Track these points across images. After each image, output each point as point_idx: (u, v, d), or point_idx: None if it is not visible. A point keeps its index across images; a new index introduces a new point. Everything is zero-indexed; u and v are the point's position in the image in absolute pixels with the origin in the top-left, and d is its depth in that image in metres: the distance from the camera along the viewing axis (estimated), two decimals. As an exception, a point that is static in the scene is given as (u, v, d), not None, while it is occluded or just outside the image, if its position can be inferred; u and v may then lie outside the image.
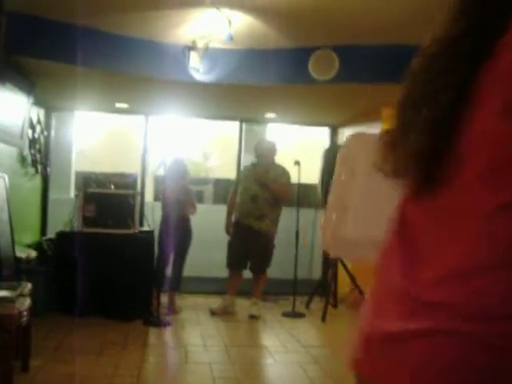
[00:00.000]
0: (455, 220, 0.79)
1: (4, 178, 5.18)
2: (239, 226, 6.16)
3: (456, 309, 0.71)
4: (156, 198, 6.26)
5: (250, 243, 6.06)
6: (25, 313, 3.75)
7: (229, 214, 6.37)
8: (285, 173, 6.21)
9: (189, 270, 6.38)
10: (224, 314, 6.08)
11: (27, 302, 3.86)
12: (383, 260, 0.95)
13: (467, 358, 0.69)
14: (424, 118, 0.83)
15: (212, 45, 5.13)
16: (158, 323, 5.45)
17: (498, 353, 0.67)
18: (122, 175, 6.20)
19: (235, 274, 6.22)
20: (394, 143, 0.91)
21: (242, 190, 6.19)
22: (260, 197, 6.05)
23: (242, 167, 6.94)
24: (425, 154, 0.83)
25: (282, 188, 6.10)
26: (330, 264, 6.65)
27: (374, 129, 6.28)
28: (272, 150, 6.33)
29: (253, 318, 5.99)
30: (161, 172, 5.97)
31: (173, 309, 6.04)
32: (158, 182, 6.06)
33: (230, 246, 6.24)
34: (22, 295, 3.84)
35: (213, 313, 6.06)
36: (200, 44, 5.13)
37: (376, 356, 0.82)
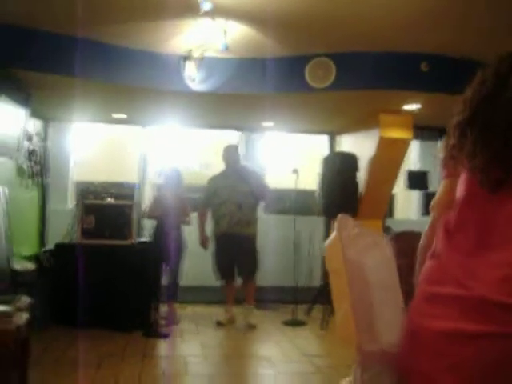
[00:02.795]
0: None
1: (3, 191, 5.15)
2: (227, 237, 6.06)
3: None
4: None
5: (239, 250, 6.04)
6: (23, 327, 3.71)
7: (202, 228, 6.29)
8: (255, 172, 6.41)
9: (186, 280, 6.34)
10: (230, 324, 6.07)
11: (25, 316, 3.82)
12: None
13: None
14: None
15: (208, 54, 5.12)
16: (158, 334, 5.42)
17: None
18: (121, 185, 6.17)
19: (230, 283, 6.22)
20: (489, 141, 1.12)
21: (223, 200, 6.09)
22: (245, 203, 6.06)
23: (209, 179, 6.43)
24: None
25: (264, 185, 6.30)
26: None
27: (373, 135, 6.27)
28: (239, 154, 6.44)
29: (251, 327, 5.95)
30: (160, 181, 5.94)
31: (172, 319, 6.00)
32: (155, 190, 6.02)
33: (220, 257, 6.17)
34: (19, 309, 3.80)
35: (219, 324, 6.04)
36: (196, 53, 5.12)
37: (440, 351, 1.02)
